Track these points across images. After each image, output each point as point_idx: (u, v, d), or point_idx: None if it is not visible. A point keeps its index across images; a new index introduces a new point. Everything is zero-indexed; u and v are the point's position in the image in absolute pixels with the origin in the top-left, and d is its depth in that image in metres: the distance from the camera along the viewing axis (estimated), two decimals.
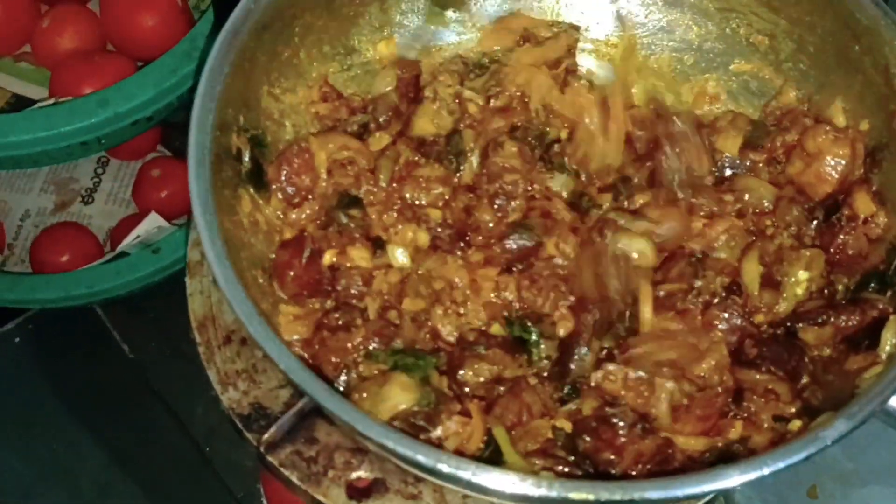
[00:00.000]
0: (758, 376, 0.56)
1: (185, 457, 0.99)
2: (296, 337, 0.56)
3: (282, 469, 0.56)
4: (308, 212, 0.61)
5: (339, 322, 0.57)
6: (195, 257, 0.62)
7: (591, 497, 0.44)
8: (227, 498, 0.98)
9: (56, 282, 0.98)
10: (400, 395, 0.54)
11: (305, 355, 0.57)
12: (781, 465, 0.46)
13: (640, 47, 0.71)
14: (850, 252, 0.60)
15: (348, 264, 0.59)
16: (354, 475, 0.56)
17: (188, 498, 0.98)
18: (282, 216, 0.61)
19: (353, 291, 0.58)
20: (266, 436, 0.56)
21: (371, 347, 0.57)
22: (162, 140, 1.13)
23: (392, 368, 0.56)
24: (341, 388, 0.56)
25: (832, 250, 0.61)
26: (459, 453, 0.52)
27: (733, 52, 0.69)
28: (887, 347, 0.53)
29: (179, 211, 1.06)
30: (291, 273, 0.57)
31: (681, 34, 0.70)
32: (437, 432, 0.53)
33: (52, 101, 0.92)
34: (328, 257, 0.59)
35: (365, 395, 0.54)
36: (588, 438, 0.54)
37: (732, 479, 0.46)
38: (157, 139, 1.12)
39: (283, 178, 0.61)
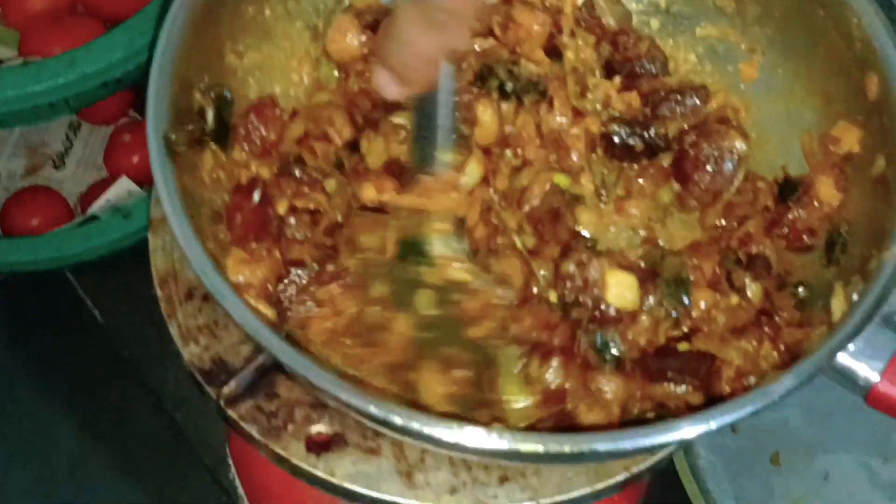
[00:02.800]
0: (673, 388, 0.55)
1: (156, 424, 1.00)
2: (241, 278, 0.56)
3: (241, 423, 0.56)
4: (269, 165, 0.61)
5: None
6: (158, 214, 0.62)
7: (539, 449, 0.45)
8: (198, 466, 0.99)
9: (26, 245, 0.98)
10: None
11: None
12: (728, 418, 0.47)
13: None
14: (800, 228, 0.61)
15: (305, 205, 0.59)
16: (314, 430, 0.56)
17: (159, 466, 1.00)
18: (243, 167, 0.61)
19: (298, 236, 0.58)
20: (226, 390, 0.57)
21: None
22: (134, 105, 1.12)
23: None
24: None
25: (783, 226, 0.62)
26: None
27: (699, 16, 0.69)
28: (838, 313, 0.54)
29: (151, 176, 1.06)
30: (240, 215, 0.57)
31: None
32: None
33: (20, 61, 0.91)
34: (282, 207, 0.58)
35: None
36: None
37: (681, 431, 0.46)
38: (129, 104, 1.12)
39: (250, 127, 0.61)
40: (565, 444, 0.45)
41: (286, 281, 0.56)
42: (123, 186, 1.04)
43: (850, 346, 0.51)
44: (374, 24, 0.65)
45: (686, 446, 0.90)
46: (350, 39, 0.64)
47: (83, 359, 1.03)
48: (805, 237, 0.60)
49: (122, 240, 0.99)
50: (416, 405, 0.51)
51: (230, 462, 0.80)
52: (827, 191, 0.60)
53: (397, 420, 0.47)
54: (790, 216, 0.61)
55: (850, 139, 0.60)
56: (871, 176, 0.58)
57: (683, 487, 0.89)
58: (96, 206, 1.03)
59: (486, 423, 0.48)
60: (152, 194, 0.63)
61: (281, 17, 0.65)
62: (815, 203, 0.61)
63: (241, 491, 0.76)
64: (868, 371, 0.52)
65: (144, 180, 1.06)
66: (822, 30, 0.63)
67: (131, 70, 0.88)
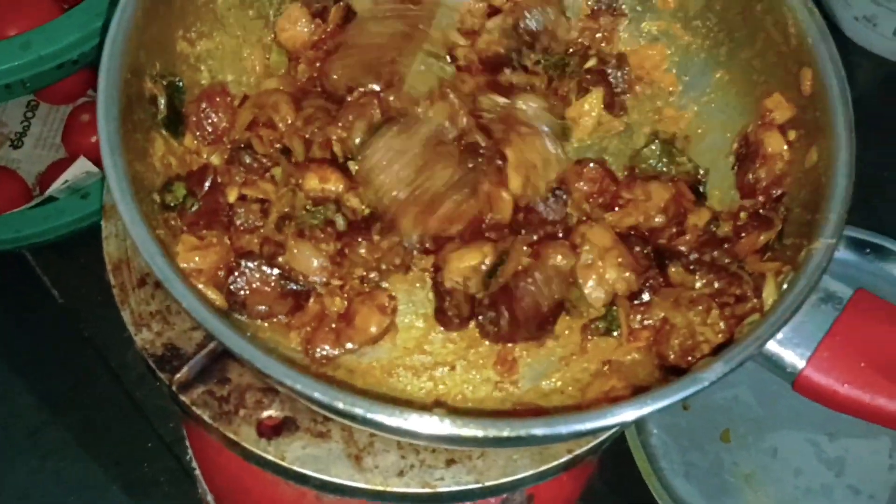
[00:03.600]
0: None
1: (116, 402, 1.00)
2: (192, 265, 0.57)
3: (193, 408, 0.57)
4: (220, 153, 0.62)
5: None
6: (110, 200, 0.63)
7: (479, 433, 0.47)
8: (157, 443, 0.99)
9: None
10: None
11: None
12: (662, 404, 0.48)
13: None
14: (765, 183, 0.62)
15: (254, 194, 0.60)
16: (265, 414, 0.57)
17: (119, 443, 1.00)
18: (195, 154, 0.61)
19: (247, 225, 0.59)
20: (178, 375, 0.58)
21: None
22: (92, 85, 1.12)
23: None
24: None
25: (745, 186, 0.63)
26: None
27: (644, 10, 0.71)
28: (769, 301, 0.55)
29: None
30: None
31: None
32: None
33: None
34: (232, 195, 0.59)
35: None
36: None
37: (616, 415, 0.48)
38: (87, 84, 1.11)
39: (201, 114, 0.62)
40: (504, 429, 0.47)
41: (236, 273, 0.57)
42: (82, 167, 1.04)
43: (779, 334, 0.52)
44: (324, 11, 0.66)
45: (638, 424, 0.92)
46: (300, 28, 0.65)
47: (43, 336, 1.03)
48: (772, 192, 0.61)
49: (81, 220, 0.98)
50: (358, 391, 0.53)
51: (187, 443, 0.81)
52: (773, 142, 0.61)
53: (340, 405, 0.48)
54: (751, 176, 0.62)
55: (783, 111, 0.62)
56: (804, 167, 0.60)
57: (635, 464, 0.91)
58: (55, 187, 1.03)
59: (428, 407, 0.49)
60: (105, 180, 0.64)
61: (234, 6, 0.65)
62: (768, 154, 0.62)
63: (198, 472, 0.77)
64: (795, 358, 0.54)
65: None
66: (760, 23, 0.64)
67: (88, 52, 0.87)
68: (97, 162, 1.05)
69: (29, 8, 0.93)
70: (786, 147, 0.61)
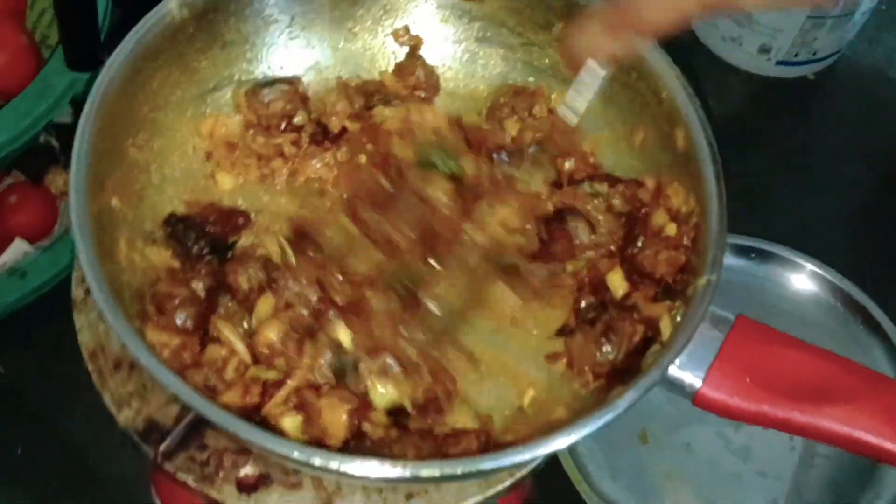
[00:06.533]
0: None
1: (69, 471, 1.01)
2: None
3: (178, 474, 0.64)
4: None
5: None
6: (80, 294, 0.69)
7: (437, 473, 0.55)
8: None
9: None
10: None
11: None
12: (586, 431, 0.57)
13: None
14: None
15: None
16: (242, 472, 0.64)
17: None
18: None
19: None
20: (162, 447, 0.64)
21: None
22: (17, 165, 1.14)
23: None
24: None
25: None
26: None
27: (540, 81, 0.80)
28: (667, 333, 0.64)
29: (41, 233, 1.09)
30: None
31: (491, 67, 0.80)
32: None
33: None
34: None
35: None
36: None
37: (549, 445, 0.57)
38: (12, 166, 1.12)
39: None
40: (458, 467, 0.55)
41: None
42: (19, 248, 1.06)
43: (677, 360, 0.62)
44: None
45: None
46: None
47: None
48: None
49: (22, 299, 1.01)
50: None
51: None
52: (678, 198, 0.70)
53: (317, 461, 0.56)
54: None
55: (678, 199, 0.71)
56: (684, 213, 0.69)
57: (566, 472, 0.97)
58: None
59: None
60: (73, 277, 0.70)
61: (173, 111, 0.73)
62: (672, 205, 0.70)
63: None
64: (693, 379, 0.63)
65: (35, 238, 1.08)
66: (636, 89, 0.73)
67: (17, 149, 0.90)
68: (30, 239, 1.07)
69: None
70: (675, 227, 0.69)
